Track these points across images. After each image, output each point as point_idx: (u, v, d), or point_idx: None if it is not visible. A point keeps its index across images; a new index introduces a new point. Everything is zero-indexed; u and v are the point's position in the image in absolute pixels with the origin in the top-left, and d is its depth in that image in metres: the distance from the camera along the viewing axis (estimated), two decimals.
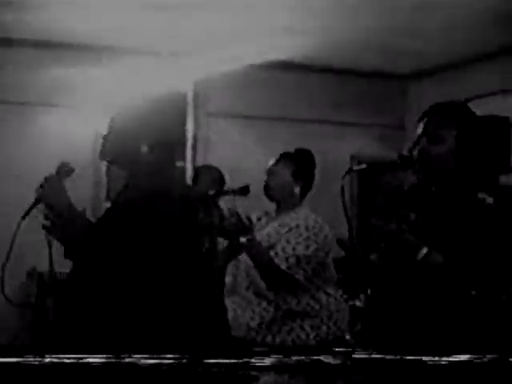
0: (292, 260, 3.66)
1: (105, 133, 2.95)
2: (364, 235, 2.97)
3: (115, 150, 2.90)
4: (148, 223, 2.71)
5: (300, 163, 3.89)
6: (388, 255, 2.90)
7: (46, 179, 2.85)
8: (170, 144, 2.99)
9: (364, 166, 3.05)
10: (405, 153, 3.00)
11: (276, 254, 3.67)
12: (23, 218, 2.82)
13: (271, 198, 3.90)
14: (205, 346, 2.82)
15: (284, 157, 3.91)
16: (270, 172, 3.88)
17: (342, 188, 2.90)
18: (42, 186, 2.85)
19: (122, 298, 2.71)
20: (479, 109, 3.08)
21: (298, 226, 3.73)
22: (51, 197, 2.83)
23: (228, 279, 3.86)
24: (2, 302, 2.95)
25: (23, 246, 2.95)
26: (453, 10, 5.77)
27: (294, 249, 3.67)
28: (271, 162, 3.91)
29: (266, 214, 3.98)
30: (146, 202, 2.75)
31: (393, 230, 2.79)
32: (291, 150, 4.00)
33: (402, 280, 2.84)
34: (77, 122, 6.72)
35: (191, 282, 2.82)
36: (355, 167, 3.09)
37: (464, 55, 7.23)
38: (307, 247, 3.68)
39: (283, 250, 3.67)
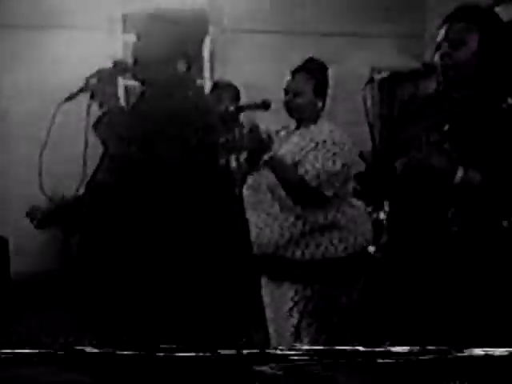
0: (323, 177, 3.64)
1: (133, 50, 2.91)
2: (386, 147, 2.95)
3: (149, 68, 2.86)
4: (174, 136, 2.70)
5: (318, 77, 3.84)
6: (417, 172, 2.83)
7: (98, 71, 2.82)
8: (198, 59, 2.97)
9: (385, 74, 3.01)
10: (427, 61, 2.95)
11: (306, 171, 3.65)
12: (65, 101, 2.80)
13: (294, 116, 3.86)
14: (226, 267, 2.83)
15: (300, 72, 3.84)
16: (291, 91, 3.82)
17: (364, 98, 2.87)
18: (92, 77, 2.82)
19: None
20: (506, 14, 3.00)
21: (324, 142, 3.70)
22: (100, 88, 2.80)
23: (248, 193, 3.85)
24: None
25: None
26: None
27: (323, 165, 3.65)
28: (288, 78, 3.86)
29: (285, 127, 3.95)
30: (175, 118, 2.73)
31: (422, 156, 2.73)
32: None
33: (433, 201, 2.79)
34: (95, 43, 6.66)
35: (209, 201, 2.82)
36: (376, 76, 3.05)
37: None
38: (334, 162, 3.66)
39: (313, 166, 3.65)
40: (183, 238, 2.75)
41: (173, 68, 2.84)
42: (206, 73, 7.49)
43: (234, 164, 3.99)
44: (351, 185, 3.86)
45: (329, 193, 3.65)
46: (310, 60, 3.90)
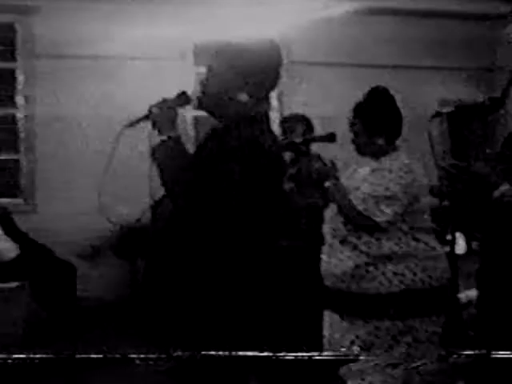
0: (370, 201, 3.59)
1: (201, 82, 2.96)
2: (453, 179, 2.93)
3: (214, 100, 2.91)
4: (239, 171, 2.73)
5: (373, 113, 3.79)
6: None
7: (163, 100, 2.88)
8: (266, 92, 3.00)
9: (452, 108, 3.00)
10: (495, 95, 2.93)
11: (355, 196, 3.62)
12: (127, 127, 2.86)
13: (361, 153, 3.84)
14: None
15: (359, 110, 3.81)
16: (351, 127, 3.81)
17: (429, 131, 2.87)
18: (155, 106, 2.88)
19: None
20: None
21: (383, 169, 3.67)
22: (162, 118, 2.86)
23: (324, 226, 3.85)
24: None
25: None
26: None
27: (373, 190, 3.61)
28: (350, 117, 3.82)
29: (359, 162, 3.93)
30: (239, 150, 2.77)
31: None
32: None
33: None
34: (167, 74, 6.76)
35: (273, 235, 2.84)
36: (443, 110, 3.04)
37: None
38: (387, 189, 3.60)
39: (362, 191, 3.62)
40: (250, 270, 2.78)
41: (235, 99, 2.88)
42: (275, 105, 7.53)
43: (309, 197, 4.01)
44: (424, 220, 3.75)
45: (379, 219, 3.58)
46: (372, 91, 3.85)
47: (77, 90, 6.84)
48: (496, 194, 2.69)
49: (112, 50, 6.89)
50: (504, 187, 2.69)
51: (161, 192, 2.89)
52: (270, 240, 2.88)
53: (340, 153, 3.98)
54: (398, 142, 3.79)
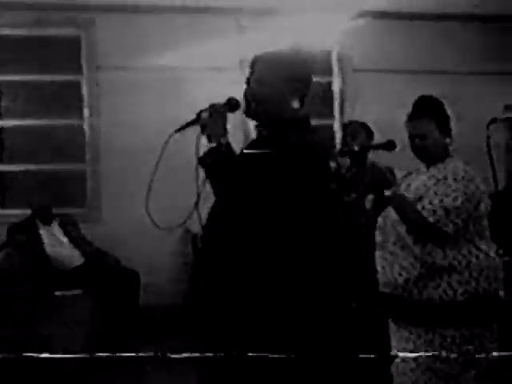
0: (440, 212, 3.57)
1: (247, 88, 2.99)
2: None
3: (263, 106, 2.94)
4: (287, 176, 2.75)
5: (439, 115, 3.80)
6: None
7: (211, 106, 2.91)
8: (312, 98, 3.02)
9: (510, 114, 2.97)
10: None
11: (423, 207, 3.60)
12: (176, 131, 2.89)
13: (424, 159, 3.83)
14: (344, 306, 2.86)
15: (422, 114, 3.81)
16: (417, 135, 3.79)
17: (488, 137, 2.85)
18: (204, 111, 2.91)
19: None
20: None
21: (445, 178, 3.65)
22: (211, 123, 2.89)
23: (377, 233, 3.85)
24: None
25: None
26: None
27: (441, 200, 3.59)
28: (409, 123, 3.82)
29: (417, 170, 3.92)
30: (287, 155, 2.78)
31: None
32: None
33: None
34: (221, 84, 6.82)
35: (329, 246, 2.85)
36: (500, 116, 3.01)
37: None
38: (455, 199, 3.58)
39: (430, 202, 3.60)
40: (308, 275, 2.79)
41: (283, 106, 2.90)
42: (336, 113, 7.54)
43: (367, 204, 4.00)
44: (483, 227, 3.74)
45: (448, 229, 3.57)
46: (424, 99, 3.85)
47: (140, 101, 6.94)
48: None
49: (173, 61, 6.99)
50: None
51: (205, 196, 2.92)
52: (329, 246, 2.89)
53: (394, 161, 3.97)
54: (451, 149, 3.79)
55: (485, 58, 7.65)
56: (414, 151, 3.80)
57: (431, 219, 3.56)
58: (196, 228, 3.11)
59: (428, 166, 3.80)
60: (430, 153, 3.74)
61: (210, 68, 7.03)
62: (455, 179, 3.61)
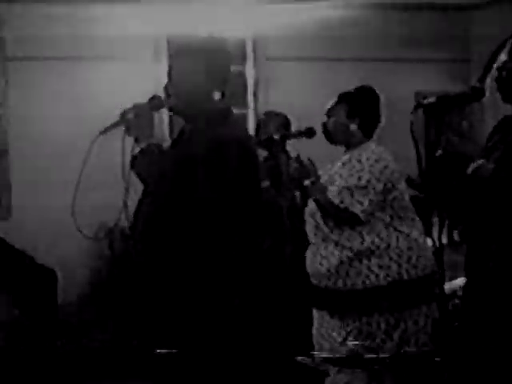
0: (344, 193, 3.59)
1: (167, 83, 2.93)
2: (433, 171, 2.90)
3: (185, 99, 2.88)
4: (213, 170, 2.71)
5: (353, 101, 3.83)
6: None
7: (134, 106, 2.84)
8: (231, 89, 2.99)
9: (433, 99, 2.97)
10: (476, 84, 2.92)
11: (330, 190, 3.62)
12: (100, 134, 2.82)
13: (331, 141, 3.87)
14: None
15: (341, 97, 3.86)
16: (327, 114, 3.85)
17: (412, 123, 2.84)
18: (128, 111, 2.83)
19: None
20: None
21: (350, 160, 3.68)
22: (137, 124, 2.82)
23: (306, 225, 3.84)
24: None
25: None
26: None
27: (346, 181, 3.61)
28: (330, 103, 3.88)
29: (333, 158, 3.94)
30: (213, 149, 2.74)
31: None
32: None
33: None
34: (134, 73, 6.69)
35: (251, 237, 2.82)
36: (425, 101, 3.00)
37: None
38: (359, 178, 3.61)
39: (335, 184, 3.63)
40: (232, 270, 2.76)
41: (206, 99, 2.85)
42: (250, 102, 7.50)
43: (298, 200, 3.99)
44: (405, 209, 3.75)
45: (355, 209, 3.57)
46: (358, 88, 3.90)
47: (51, 92, 6.76)
48: (470, 169, 2.69)
49: (84, 51, 6.82)
50: (478, 162, 2.69)
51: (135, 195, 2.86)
52: (251, 239, 2.86)
53: (315, 150, 3.96)
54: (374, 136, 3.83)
55: (398, 45, 7.74)
56: (322, 132, 3.84)
57: (336, 201, 3.57)
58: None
59: (345, 152, 3.82)
60: (331, 132, 3.78)
61: (124, 58, 6.88)
62: (359, 160, 3.65)
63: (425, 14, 7.85)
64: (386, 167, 3.66)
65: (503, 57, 2.85)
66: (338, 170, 3.70)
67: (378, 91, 3.98)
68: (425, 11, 7.83)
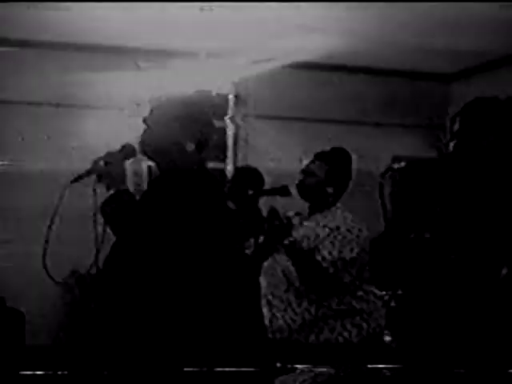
0: (339, 263, 3.64)
1: (144, 131, 2.96)
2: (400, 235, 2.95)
3: (158, 148, 2.91)
4: (183, 218, 2.72)
5: (333, 163, 3.88)
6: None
7: (106, 154, 2.86)
8: (210, 142, 3.01)
9: (403, 164, 3.02)
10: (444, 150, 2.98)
11: (323, 258, 3.65)
12: (72, 182, 2.82)
13: (304, 198, 3.90)
14: (239, 347, 2.83)
15: (318, 157, 3.91)
16: (304, 172, 3.88)
17: (381, 185, 2.88)
18: (100, 160, 2.85)
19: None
20: None
21: (338, 228, 3.71)
22: (108, 172, 2.83)
23: (263, 280, 3.85)
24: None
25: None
26: (495, 7, 5.67)
27: (340, 252, 3.66)
28: (306, 162, 3.92)
29: (298, 214, 3.97)
30: (181, 201, 2.76)
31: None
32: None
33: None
34: (115, 123, 6.73)
35: (221, 284, 2.83)
36: (395, 165, 3.06)
37: (507, 54, 7.14)
38: (352, 250, 3.67)
39: (330, 253, 3.66)
40: (197, 322, 2.76)
41: (180, 150, 2.88)
42: (229, 158, 7.55)
43: (251, 248, 4.00)
44: (366, 270, 3.84)
45: (346, 279, 3.64)
46: (334, 148, 3.95)
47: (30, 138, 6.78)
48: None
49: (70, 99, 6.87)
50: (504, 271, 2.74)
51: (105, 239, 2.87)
52: (225, 295, 2.86)
53: (287, 205, 4.00)
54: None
55: (378, 110, 7.84)
56: (296, 187, 3.87)
57: (331, 270, 3.61)
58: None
59: (311, 212, 3.85)
60: (307, 191, 3.82)
61: (105, 107, 6.93)
62: (349, 230, 3.69)
63: (405, 81, 7.97)
64: (366, 238, 3.74)
65: (458, 124, 2.90)
66: (324, 236, 3.73)
67: (353, 154, 4.02)
68: (405, 78, 7.96)
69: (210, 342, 2.78)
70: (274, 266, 3.83)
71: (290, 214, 3.96)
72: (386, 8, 5.72)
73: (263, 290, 3.84)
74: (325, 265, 3.64)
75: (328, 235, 3.72)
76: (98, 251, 2.84)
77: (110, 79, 6.76)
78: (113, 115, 6.84)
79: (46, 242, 2.83)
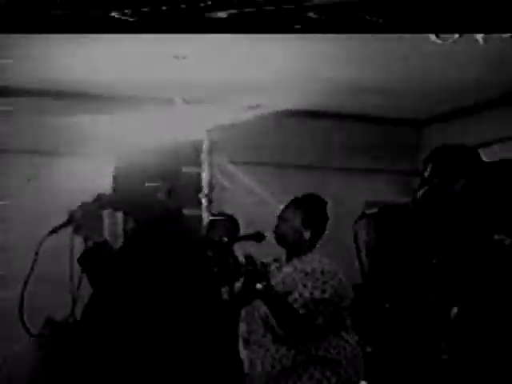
0: (311, 305, 3.65)
1: (113, 184, 2.94)
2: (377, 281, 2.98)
3: (128, 198, 2.89)
4: (162, 270, 2.72)
5: (309, 209, 3.92)
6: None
7: (81, 205, 2.84)
8: (183, 190, 3.01)
9: (375, 210, 3.06)
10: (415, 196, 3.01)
11: (295, 299, 3.67)
12: (49, 234, 2.80)
13: (282, 244, 3.92)
14: None
15: (293, 203, 3.94)
16: (280, 218, 3.91)
17: (355, 233, 2.91)
18: (76, 211, 2.83)
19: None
20: (493, 154, 3.09)
21: (313, 271, 3.74)
22: (85, 223, 2.81)
23: (242, 326, 3.86)
24: None
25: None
26: (464, 55, 5.78)
27: (311, 293, 3.67)
28: (281, 208, 3.95)
29: (276, 260, 3.99)
30: (160, 250, 2.76)
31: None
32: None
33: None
34: (88, 171, 6.72)
35: (200, 334, 2.82)
36: (368, 211, 3.09)
37: (479, 100, 7.25)
38: (324, 291, 3.68)
39: (301, 295, 3.67)
40: (175, 370, 2.75)
41: (149, 198, 2.88)
42: (204, 205, 7.56)
43: (226, 295, 4.00)
44: (346, 319, 3.86)
45: (318, 321, 3.64)
46: (308, 194, 3.99)
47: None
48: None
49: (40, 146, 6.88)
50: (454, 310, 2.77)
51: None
52: (204, 344, 2.86)
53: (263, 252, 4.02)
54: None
55: (349, 155, 7.92)
56: (273, 233, 3.89)
57: (302, 311, 3.62)
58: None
59: (288, 257, 3.87)
60: (285, 237, 3.84)
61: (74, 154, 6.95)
62: (322, 272, 3.72)
63: (377, 126, 8.07)
64: (340, 281, 3.76)
65: (428, 171, 2.94)
66: (298, 279, 3.74)
67: (327, 199, 4.06)
68: (377, 123, 8.05)
69: None
70: (252, 311, 3.84)
71: (269, 260, 3.97)
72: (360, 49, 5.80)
73: (243, 337, 3.84)
74: (296, 306, 3.65)
75: (302, 278, 3.74)
76: (74, 301, 2.82)
77: (84, 125, 6.77)
78: (87, 162, 6.84)
79: (22, 295, 2.80)
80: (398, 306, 2.90)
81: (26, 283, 2.76)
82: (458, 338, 2.74)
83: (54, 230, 2.84)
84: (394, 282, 2.92)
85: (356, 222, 2.96)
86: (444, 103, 7.49)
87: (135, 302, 2.72)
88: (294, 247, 3.89)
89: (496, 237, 2.75)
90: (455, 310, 2.73)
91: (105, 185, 3.04)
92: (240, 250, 4.60)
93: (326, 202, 4.00)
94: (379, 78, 6.53)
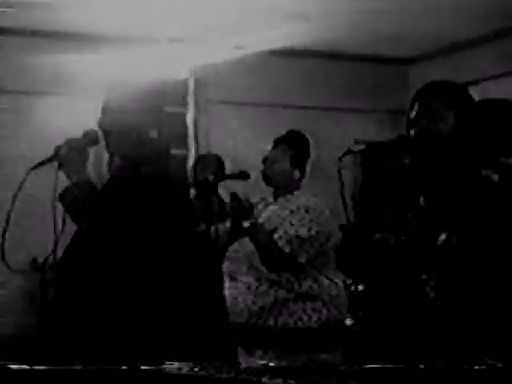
0: (296, 242, 3.66)
1: (99, 121, 2.91)
2: (365, 220, 2.97)
3: (120, 137, 2.87)
4: (145, 207, 2.71)
5: (297, 148, 3.89)
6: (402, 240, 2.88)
7: (68, 140, 2.81)
8: (170, 130, 2.99)
9: (362, 147, 3.03)
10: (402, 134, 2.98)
11: (280, 237, 3.67)
12: (33, 169, 2.77)
13: (269, 184, 3.91)
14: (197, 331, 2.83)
15: (280, 142, 3.91)
16: (268, 159, 3.88)
17: (339, 170, 2.89)
18: (62, 146, 2.80)
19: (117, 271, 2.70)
20: (481, 92, 3.06)
21: (298, 208, 3.74)
22: (70, 159, 2.78)
23: (227, 263, 3.86)
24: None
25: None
26: None
27: (296, 231, 3.67)
28: (268, 147, 3.92)
29: (263, 198, 3.98)
30: (145, 186, 2.75)
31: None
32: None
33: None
34: (75, 110, 6.67)
35: (183, 266, 2.82)
36: (353, 148, 3.06)
37: (465, 38, 7.20)
38: (310, 229, 3.69)
39: (286, 232, 3.68)
40: (157, 307, 2.75)
41: (142, 137, 2.85)
42: (191, 144, 7.53)
43: (214, 234, 4.00)
44: (331, 257, 3.86)
45: (302, 259, 3.66)
46: (291, 132, 3.96)
47: None
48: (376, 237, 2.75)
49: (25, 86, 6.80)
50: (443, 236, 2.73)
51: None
52: (183, 281, 2.86)
53: (249, 190, 4.00)
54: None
55: (338, 94, 7.87)
56: (262, 175, 3.88)
57: (287, 249, 3.63)
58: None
59: (275, 196, 3.87)
60: (274, 178, 3.83)
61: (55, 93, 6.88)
62: (307, 210, 3.72)
63: (364, 66, 8.02)
64: (326, 219, 3.76)
65: (413, 112, 2.90)
66: (284, 217, 3.74)
67: (316, 139, 4.04)
68: (364, 62, 8.00)
69: (171, 327, 2.77)
70: (238, 249, 3.84)
71: (257, 199, 3.96)
72: None
73: (227, 275, 3.85)
74: (281, 243, 3.65)
75: (288, 216, 3.74)
76: (56, 240, 2.80)
77: (69, 64, 6.70)
78: (74, 101, 6.77)
79: (4, 231, 2.77)
80: (384, 243, 2.88)
81: (8, 218, 2.74)
82: (445, 266, 2.73)
83: (38, 165, 2.81)
84: (381, 218, 2.90)
85: (341, 158, 2.93)
86: (432, 40, 7.44)
87: (116, 240, 2.71)
88: (282, 186, 3.88)
89: (483, 172, 2.73)
90: (443, 236, 2.72)
91: (91, 123, 3.00)
92: (227, 192, 4.60)
93: (308, 139, 3.98)
94: (364, 14, 6.45)
